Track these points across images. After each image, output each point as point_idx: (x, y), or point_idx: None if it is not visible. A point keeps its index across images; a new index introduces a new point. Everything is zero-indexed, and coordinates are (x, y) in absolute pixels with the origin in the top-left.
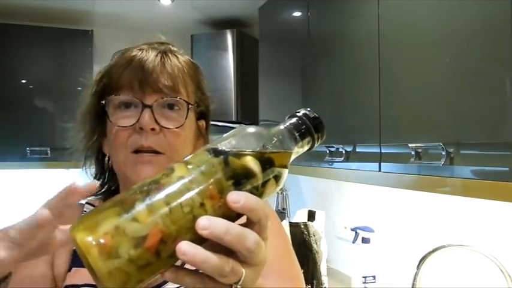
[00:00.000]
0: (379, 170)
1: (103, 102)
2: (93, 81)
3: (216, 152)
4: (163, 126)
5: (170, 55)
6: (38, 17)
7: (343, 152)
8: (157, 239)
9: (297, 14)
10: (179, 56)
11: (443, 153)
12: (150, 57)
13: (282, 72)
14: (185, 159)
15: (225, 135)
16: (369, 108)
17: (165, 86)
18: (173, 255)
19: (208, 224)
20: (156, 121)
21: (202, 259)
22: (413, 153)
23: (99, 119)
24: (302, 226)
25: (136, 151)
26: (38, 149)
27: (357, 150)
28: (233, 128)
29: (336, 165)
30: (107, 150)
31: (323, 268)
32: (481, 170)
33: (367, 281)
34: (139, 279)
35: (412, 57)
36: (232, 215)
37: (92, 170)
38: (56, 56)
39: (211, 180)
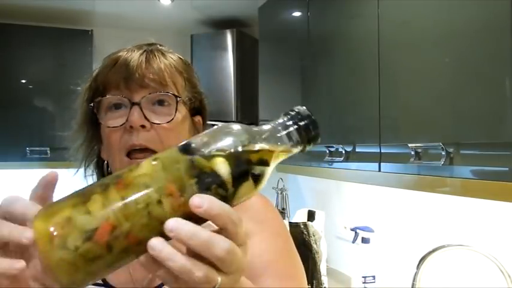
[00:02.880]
0: (379, 170)
1: (91, 105)
2: (84, 88)
3: (185, 150)
4: (153, 122)
5: (156, 53)
6: (38, 17)
7: (343, 152)
8: (107, 233)
9: (297, 14)
10: (166, 54)
11: (443, 153)
12: (135, 56)
13: (281, 72)
14: (155, 155)
15: (206, 131)
16: (368, 108)
17: (151, 80)
18: (130, 251)
19: (175, 226)
20: (145, 118)
21: (168, 257)
22: (413, 153)
23: (94, 125)
24: (302, 226)
25: (130, 153)
26: (37, 149)
27: (357, 150)
28: None
29: (335, 165)
30: (105, 156)
31: (323, 268)
32: (480, 170)
33: (366, 281)
34: (88, 272)
35: (412, 57)
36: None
37: (94, 176)
38: (56, 56)
39: (172, 177)
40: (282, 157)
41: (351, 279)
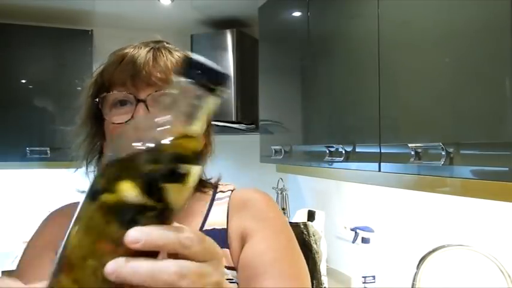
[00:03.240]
0: (379, 170)
1: (96, 100)
2: (89, 83)
3: (92, 196)
4: None
5: (163, 50)
6: (38, 17)
7: (343, 152)
8: None
9: (297, 14)
10: (173, 52)
11: (443, 153)
12: (142, 53)
13: (281, 72)
14: (75, 216)
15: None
16: (368, 108)
17: (158, 79)
18: None
19: (113, 268)
20: None
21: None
22: (413, 153)
23: (98, 121)
24: (302, 226)
25: None
26: (37, 149)
27: (357, 150)
28: (233, 128)
29: (335, 165)
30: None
31: (323, 268)
32: (480, 170)
33: (366, 281)
34: None
35: (411, 57)
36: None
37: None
38: (56, 56)
39: (97, 237)
40: (195, 143)
41: (351, 279)
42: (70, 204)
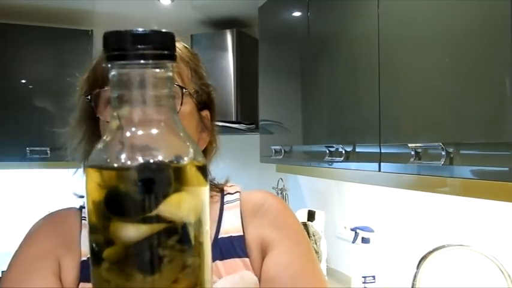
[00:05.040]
0: (379, 170)
1: (88, 97)
2: (81, 80)
3: (94, 261)
4: None
5: None
6: (38, 17)
7: (343, 152)
8: None
9: (297, 14)
10: None
11: (443, 153)
12: None
13: (281, 72)
14: None
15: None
16: (369, 108)
17: None
18: None
19: None
20: None
21: None
22: (413, 153)
23: (94, 121)
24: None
25: None
26: (37, 149)
27: (357, 150)
28: (233, 128)
29: (335, 165)
30: None
31: (323, 268)
32: (480, 170)
33: (366, 281)
34: None
35: (412, 57)
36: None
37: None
38: (56, 56)
39: None
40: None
41: (351, 279)
42: (63, 210)
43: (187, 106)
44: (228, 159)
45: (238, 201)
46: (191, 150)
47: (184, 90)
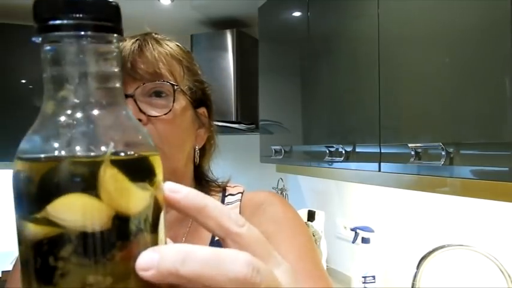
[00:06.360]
0: (379, 170)
1: None
2: None
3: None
4: (149, 115)
5: (150, 41)
6: None
7: (343, 152)
8: None
9: (297, 13)
10: (162, 42)
11: (443, 153)
12: (127, 45)
13: (281, 72)
14: None
15: None
16: (369, 108)
17: (145, 72)
18: None
19: (150, 261)
20: (140, 110)
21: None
22: (413, 153)
23: None
24: None
25: None
26: None
27: (357, 150)
28: (233, 128)
29: (335, 165)
30: None
31: None
32: (480, 170)
33: (366, 281)
34: None
35: (412, 57)
36: None
37: None
38: None
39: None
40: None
41: (351, 279)
42: None
43: (181, 103)
44: (228, 159)
45: (238, 202)
46: (132, 141)
47: (175, 87)
